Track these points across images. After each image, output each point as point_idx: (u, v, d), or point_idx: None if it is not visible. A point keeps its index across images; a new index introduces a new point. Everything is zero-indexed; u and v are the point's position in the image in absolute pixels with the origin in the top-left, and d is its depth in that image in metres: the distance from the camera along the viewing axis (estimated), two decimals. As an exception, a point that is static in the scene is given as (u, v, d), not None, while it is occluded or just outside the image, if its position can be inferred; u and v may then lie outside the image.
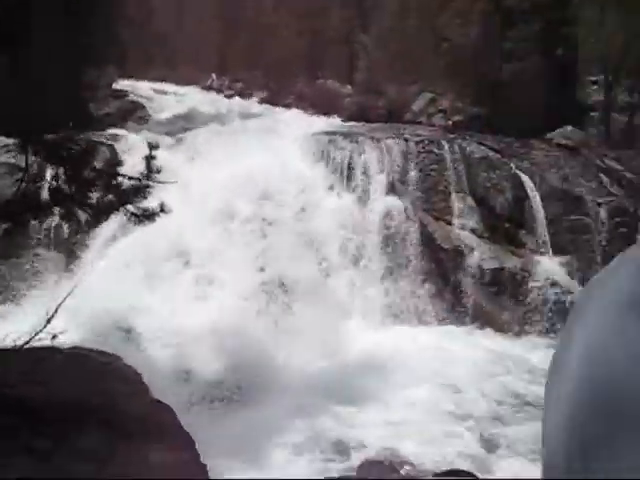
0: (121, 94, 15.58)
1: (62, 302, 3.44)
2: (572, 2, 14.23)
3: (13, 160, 6.46)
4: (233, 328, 8.65)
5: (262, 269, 10.04)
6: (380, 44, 20.97)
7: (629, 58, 14.96)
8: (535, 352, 9.63)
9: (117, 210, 5.46)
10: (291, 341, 8.86)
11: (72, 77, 5.65)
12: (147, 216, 5.59)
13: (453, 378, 8.70)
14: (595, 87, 18.50)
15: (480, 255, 10.97)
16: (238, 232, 10.42)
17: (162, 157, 10.62)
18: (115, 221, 7.75)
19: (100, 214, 5.71)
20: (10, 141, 6.37)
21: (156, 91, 19.44)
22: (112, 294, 8.63)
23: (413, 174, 11.81)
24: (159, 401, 5.57)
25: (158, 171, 5.63)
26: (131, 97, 15.72)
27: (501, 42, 14.14)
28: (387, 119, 17.00)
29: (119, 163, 6.26)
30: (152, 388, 6.44)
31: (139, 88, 18.88)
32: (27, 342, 3.58)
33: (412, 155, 11.99)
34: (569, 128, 13.61)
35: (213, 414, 7.68)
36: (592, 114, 16.90)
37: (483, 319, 10.63)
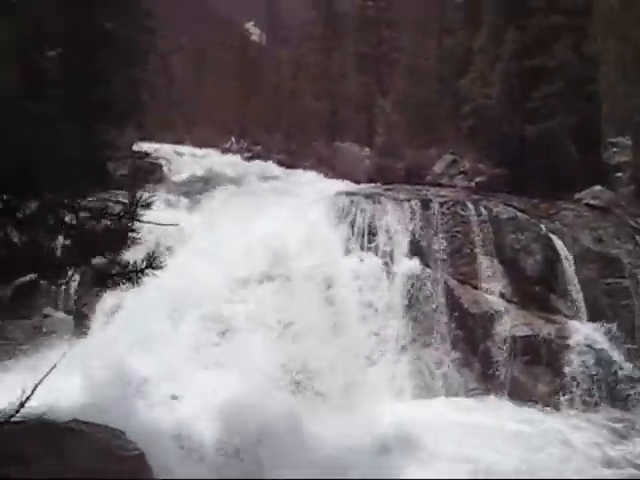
0: (140, 155, 15.53)
1: (40, 382, 2.90)
2: (596, 60, 14.02)
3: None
4: (253, 401, 7.94)
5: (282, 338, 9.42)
6: (399, 108, 20.97)
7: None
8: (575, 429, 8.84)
9: (77, 265, 3.77)
10: (314, 417, 8.14)
11: (89, 136, 5.16)
12: (125, 274, 3.73)
13: (476, 456, 7.87)
14: (615, 149, 18.22)
15: (511, 321, 10.31)
16: (257, 299, 9.82)
17: (179, 218, 10.44)
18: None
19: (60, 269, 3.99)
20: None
21: (175, 153, 19.53)
22: (120, 361, 8.07)
23: (437, 236, 11.33)
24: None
25: (147, 205, 3.56)
26: (150, 159, 15.65)
27: (524, 102, 13.89)
28: (407, 181, 16.72)
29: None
30: (157, 465, 5.84)
31: (158, 150, 18.96)
32: (3, 423, 3.01)
33: (436, 217, 11.55)
34: (597, 188, 13.12)
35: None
36: (618, 174, 16.51)
37: (516, 390, 9.87)
